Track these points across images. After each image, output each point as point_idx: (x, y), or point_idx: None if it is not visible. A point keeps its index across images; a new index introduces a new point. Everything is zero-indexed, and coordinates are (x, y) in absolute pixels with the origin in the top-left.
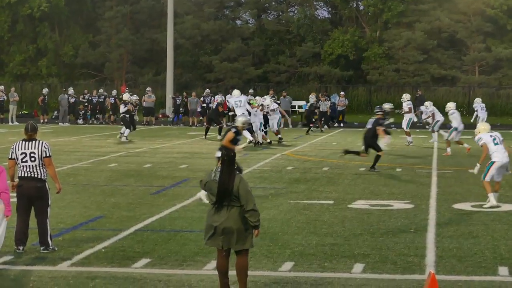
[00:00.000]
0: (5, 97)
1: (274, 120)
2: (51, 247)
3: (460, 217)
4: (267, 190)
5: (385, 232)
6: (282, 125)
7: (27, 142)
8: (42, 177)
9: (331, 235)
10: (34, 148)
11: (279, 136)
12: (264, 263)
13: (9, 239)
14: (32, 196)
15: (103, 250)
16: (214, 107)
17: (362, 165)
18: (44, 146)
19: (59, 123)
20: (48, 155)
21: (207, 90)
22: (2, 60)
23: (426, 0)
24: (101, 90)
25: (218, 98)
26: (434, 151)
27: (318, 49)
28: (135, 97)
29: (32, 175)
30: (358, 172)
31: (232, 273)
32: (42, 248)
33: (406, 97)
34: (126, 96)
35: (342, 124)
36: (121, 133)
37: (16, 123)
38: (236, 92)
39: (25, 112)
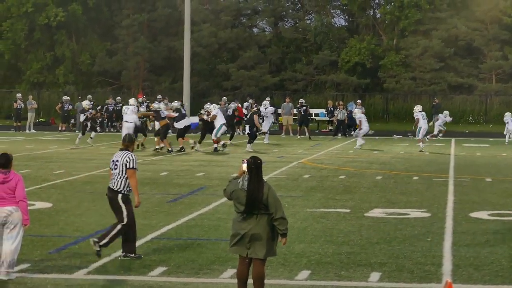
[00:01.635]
0: (23, 105)
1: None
2: (97, 248)
3: (477, 226)
4: (283, 199)
5: (401, 240)
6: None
7: (119, 152)
8: (115, 188)
9: (348, 243)
10: (120, 157)
11: (215, 146)
12: (280, 271)
13: (25, 247)
14: (110, 204)
15: (119, 258)
16: (230, 114)
17: (379, 173)
18: (128, 157)
19: (76, 131)
20: (130, 166)
21: (224, 98)
22: (19, 68)
23: (443, 8)
24: (118, 98)
25: (233, 105)
26: (451, 159)
27: (335, 57)
28: (156, 104)
29: (110, 185)
30: (375, 180)
31: (249, 281)
32: (96, 240)
33: (416, 108)
34: (85, 104)
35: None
36: (91, 137)
37: (33, 131)
38: (132, 100)
39: (42, 120)
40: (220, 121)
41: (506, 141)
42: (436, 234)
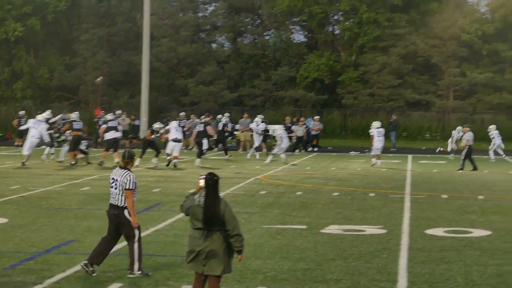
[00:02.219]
0: None
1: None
2: (138, 272)
3: (433, 243)
4: (240, 215)
5: (357, 257)
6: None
7: (119, 169)
8: (119, 205)
9: (304, 260)
10: (119, 176)
11: (175, 160)
12: None
13: None
14: (113, 222)
15: (75, 274)
16: (220, 129)
17: (336, 190)
18: (126, 178)
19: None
20: (127, 187)
21: (182, 113)
22: None
23: (402, 25)
24: (76, 113)
25: (223, 119)
26: (408, 175)
27: (294, 73)
28: (74, 115)
29: (113, 202)
30: (332, 196)
31: None
32: (129, 272)
33: (374, 124)
34: (47, 114)
35: (316, 149)
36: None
37: None
38: (40, 116)
39: None
40: (170, 136)
41: (493, 158)
42: (392, 251)
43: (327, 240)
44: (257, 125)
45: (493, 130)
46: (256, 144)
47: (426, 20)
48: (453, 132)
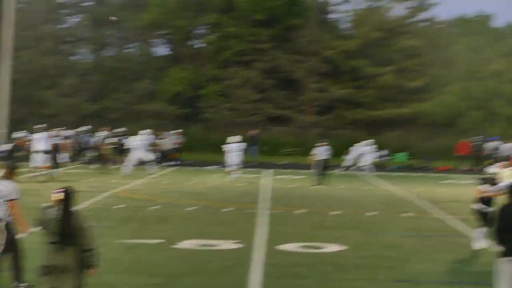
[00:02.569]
0: None
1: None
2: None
3: (288, 258)
4: (95, 229)
5: (213, 272)
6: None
7: (2, 180)
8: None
9: (159, 275)
10: (2, 187)
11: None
12: None
13: None
14: None
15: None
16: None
17: (193, 204)
18: (10, 188)
19: None
20: (13, 197)
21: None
22: None
23: (265, 40)
24: None
25: (103, 133)
26: (266, 190)
27: (156, 86)
28: None
29: None
30: (189, 211)
31: None
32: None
33: (230, 139)
34: None
35: (179, 162)
36: None
37: None
38: None
39: None
40: (37, 147)
41: (368, 171)
42: (248, 266)
43: (183, 254)
44: (143, 138)
45: (367, 146)
46: (151, 157)
47: (289, 35)
48: (354, 148)
